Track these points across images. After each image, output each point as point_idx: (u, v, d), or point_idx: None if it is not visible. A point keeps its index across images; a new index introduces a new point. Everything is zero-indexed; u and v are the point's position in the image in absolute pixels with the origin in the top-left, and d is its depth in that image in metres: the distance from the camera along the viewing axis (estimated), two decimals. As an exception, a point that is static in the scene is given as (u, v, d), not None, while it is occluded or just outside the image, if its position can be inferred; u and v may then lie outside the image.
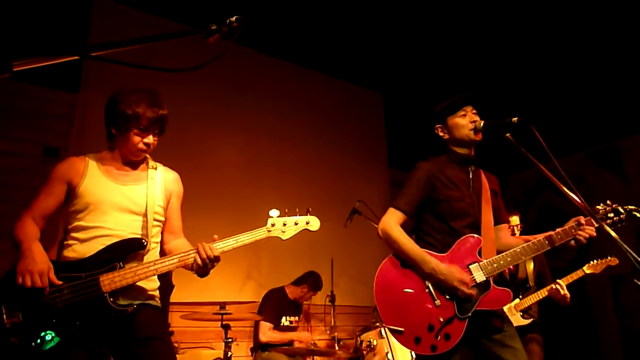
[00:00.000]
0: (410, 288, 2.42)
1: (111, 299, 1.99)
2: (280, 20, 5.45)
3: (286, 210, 2.27)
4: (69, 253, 2.10)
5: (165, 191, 2.35)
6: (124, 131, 2.18)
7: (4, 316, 1.91)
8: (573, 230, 2.46)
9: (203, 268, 2.13)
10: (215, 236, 2.17)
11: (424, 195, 2.57)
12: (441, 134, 2.73)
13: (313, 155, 6.25)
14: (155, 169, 2.37)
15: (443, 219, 2.54)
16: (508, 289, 2.45)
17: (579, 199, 2.14)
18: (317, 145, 6.29)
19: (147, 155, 2.37)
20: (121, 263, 2.04)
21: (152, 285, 2.23)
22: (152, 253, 2.23)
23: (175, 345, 4.01)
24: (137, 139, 2.19)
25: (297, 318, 4.96)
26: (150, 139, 2.21)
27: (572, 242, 2.48)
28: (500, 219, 2.70)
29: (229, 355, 3.73)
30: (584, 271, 3.97)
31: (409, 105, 6.71)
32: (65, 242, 2.15)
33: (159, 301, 2.29)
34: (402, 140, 6.95)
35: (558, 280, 3.91)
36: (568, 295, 3.86)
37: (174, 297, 4.25)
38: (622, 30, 5.16)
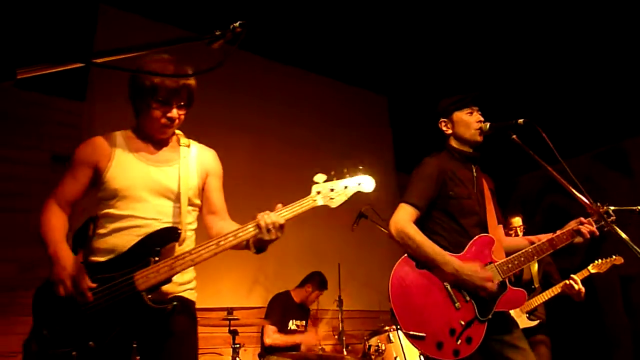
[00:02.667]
0: (429, 290, 2.33)
1: (148, 297, 1.82)
2: (285, 25, 5.48)
3: (332, 173, 2.01)
4: (100, 244, 1.95)
5: (200, 171, 2.15)
6: (145, 106, 1.99)
7: (45, 331, 1.82)
8: (575, 231, 2.47)
9: (265, 241, 1.93)
10: (279, 205, 1.97)
11: (435, 191, 2.48)
12: (444, 128, 2.70)
13: (319, 158, 6.25)
14: (188, 146, 2.16)
15: (453, 217, 2.48)
16: (523, 290, 2.44)
17: (588, 200, 2.13)
18: (323, 149, 6.30)
19: (179, 132, 2.20)
20: (156, 257, 1.87)
21: (184, 277, 2.04)
22: (189, 242, 2.06)
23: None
24: (158, 113, 1.98)
25: (304, 322, 4.94)
26: (174, 112, 1.99)
27: (577, 238, 2.47)
28: (498, 220, 2.68)
29: (236, 360, 3.72)
30: (589, 270, 3.94)
31: (415, 109, 6.70)
32: (97, 232, 1.98)
33: (194, 293, 2.12)
34: (408, 143, 6.93)
35: (572, 275, 3.87)
36: (583, 289, 3.81)
37: (182, 303, 4.25)
38: (628, 31, 5.13)
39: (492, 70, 5.97)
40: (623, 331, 5.94)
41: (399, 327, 2.32)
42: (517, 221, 4.41)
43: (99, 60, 0.98)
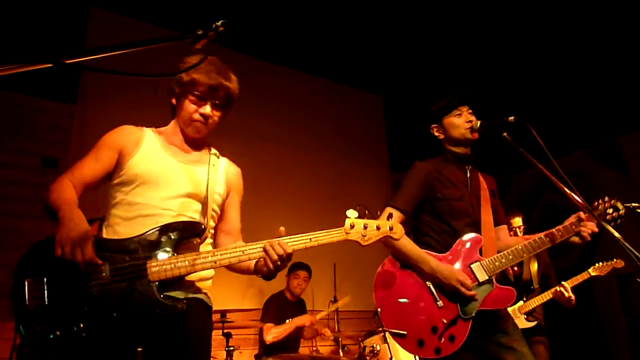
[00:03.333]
0: (411, 289, 2.36)
1: (158, 291, 1.67)
2: (279, 26, 5.46)
3: (366, 212, 2.00)
4: (109, 234, 1.80)
5: (226, 183, 2.08)
6: (181, 98, 1.94)
7: (27, 295, 1.61)
8: (574, 227, 2.45)
9: (272, 270, 1.82)
10: (282, 228, 1.87)
11: (422, 194, 2.51)
12: (437, 133, 2.71)
13: (314, 159, 6.24)
14: (218, 157, 2.10)
15: (442, 219, 2.49)
16: (511, 288, 2.41)
17: (579, 197, 2.11)
18: (318, 149, 6.28)
19: (210, 145, 2.14)
20: (173, 249, 1.74)
21: (203, 274, 1.89)
22: (207, 244, 1.97)
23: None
24: (192, 107, 1.92)
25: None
26: (207, 109, 1.92)
27: (576, 238, 2.46)
28: (499, 219, 2.67)
29: (230, 363, 3.69)
30: (589, 273, 3.92)
31: (410, 108, 6.68)
32: (106, 222, 1.85)
33: (209, 296, 1.97)
34: (403, 143, 6.92)
35: (563, 283, 3.86)
36: (573, 297, 3.81)
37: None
38: (620, 27, 5.12)
39: (487, 68, 5.97)
40: (620, 331, 5.93)
41: (381, 324, 2.33)
42: (517, 221, 4.38)
43: (70, 61, 0.95)
